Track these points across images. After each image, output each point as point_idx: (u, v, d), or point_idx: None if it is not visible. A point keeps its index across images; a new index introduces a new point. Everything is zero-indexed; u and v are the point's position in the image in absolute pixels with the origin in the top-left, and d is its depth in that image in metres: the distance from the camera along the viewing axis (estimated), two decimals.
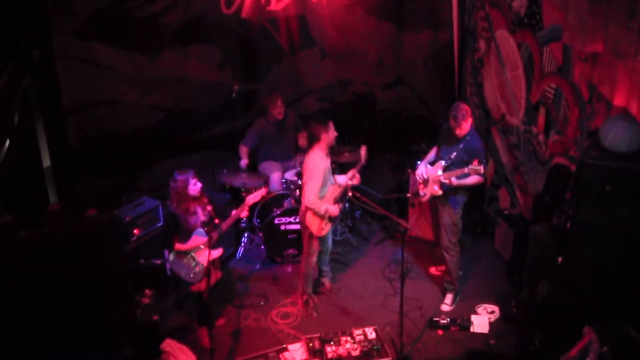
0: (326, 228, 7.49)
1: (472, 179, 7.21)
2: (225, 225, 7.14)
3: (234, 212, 7.29)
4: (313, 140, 7.29)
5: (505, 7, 8.40)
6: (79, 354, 5.42)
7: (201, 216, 7.13)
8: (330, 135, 7.24)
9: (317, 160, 7.26)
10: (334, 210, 7.39)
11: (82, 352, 5.44)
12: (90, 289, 5.43)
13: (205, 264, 6.87)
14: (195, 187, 7.01)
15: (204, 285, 6.93)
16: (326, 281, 8.09)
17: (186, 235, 7.07)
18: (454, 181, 7.15)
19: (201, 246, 7.06)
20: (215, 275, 7.24)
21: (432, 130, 9.89)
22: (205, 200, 7.16)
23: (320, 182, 7.22)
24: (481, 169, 6.98)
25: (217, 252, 7.17)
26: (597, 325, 5.37)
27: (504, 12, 8.47)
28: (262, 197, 7.56)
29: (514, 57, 8.29)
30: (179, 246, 7.02)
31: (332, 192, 7.41)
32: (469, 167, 7.03)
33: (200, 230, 7.08)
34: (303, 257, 7.69)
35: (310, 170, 7.27)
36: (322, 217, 7.35)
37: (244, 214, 7.32)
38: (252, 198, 7.34)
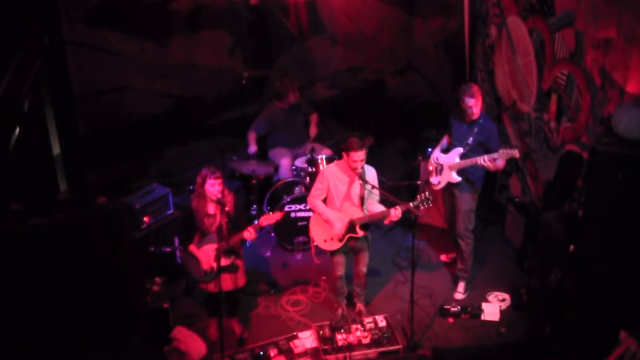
0: (333, 244, 7.12)
1: (502, 162, 7.11)
2: (231, 241, 6.73)
3: (257, 221, 6.82)
4: (342, 150, 7.03)
5: None
6: (89, 342, 5.43)
7: (218, 221, 6.69)
8: (353, 157, 6.74)
9: (327, 167, 7.19)
10: (335, 224, 6.99)
11: (93, 339, 5.45)
12: (100, 276, 5.44)
13: (216, 268, 6.65)
14: (212, 188, 6.64)
15: (212, 286, 6.84)
16: (357, 302, 7.62)
17: (199, 236, 6.86)
18: (488, 164, 7.03)
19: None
20: (233, 282, 6.91)
21: (442, 117, 9.83)
22: (228, 207, 6.70)
23: (320, 185, 7.08)
24: (516, 152, 6.84)
25: (225, 261, 6.79)
26: (631, 329, 5.32)
27: None
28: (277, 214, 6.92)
29: (525, 44, 8.22)
30: (192, 249, 6.82)
31: (346, 212, 7.04)
32: (502, 150, 6.88)
33: (213, 237, 6.68)
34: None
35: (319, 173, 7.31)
36: (324, 227, 7.12)
37: (248, 235, 6.74)
38: (266, 220, 6.80)
